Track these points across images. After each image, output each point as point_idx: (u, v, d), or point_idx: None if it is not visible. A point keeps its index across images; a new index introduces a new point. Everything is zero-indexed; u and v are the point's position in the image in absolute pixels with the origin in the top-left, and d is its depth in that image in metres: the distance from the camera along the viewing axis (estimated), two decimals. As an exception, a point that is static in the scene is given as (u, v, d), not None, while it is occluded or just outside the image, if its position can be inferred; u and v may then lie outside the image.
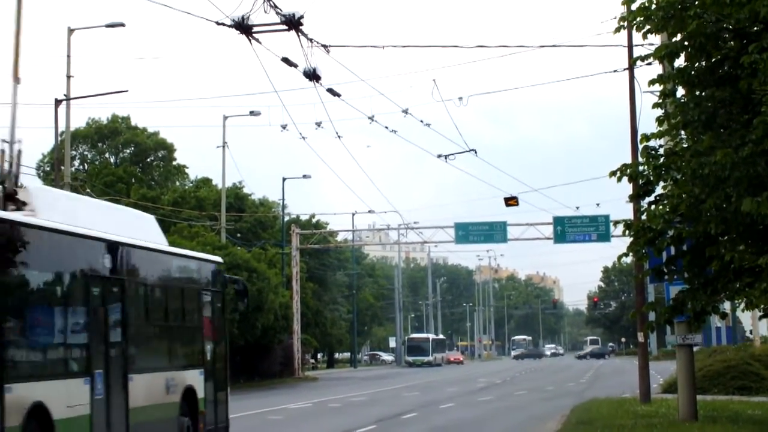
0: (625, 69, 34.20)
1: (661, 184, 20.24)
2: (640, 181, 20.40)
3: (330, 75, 28.36)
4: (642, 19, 18.65)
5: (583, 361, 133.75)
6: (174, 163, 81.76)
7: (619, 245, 64.52)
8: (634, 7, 18.91)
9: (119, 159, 79.98)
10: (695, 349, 28.96)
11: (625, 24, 19.51)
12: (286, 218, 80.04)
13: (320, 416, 33.45)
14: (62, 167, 46.28)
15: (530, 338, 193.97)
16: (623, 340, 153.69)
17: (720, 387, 40.09)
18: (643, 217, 20.84)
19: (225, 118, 61.54)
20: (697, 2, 17.58)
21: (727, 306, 43.99)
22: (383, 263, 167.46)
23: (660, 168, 19.66)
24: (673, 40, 18.63)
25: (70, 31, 44.97)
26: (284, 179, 75.62)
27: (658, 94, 20.09)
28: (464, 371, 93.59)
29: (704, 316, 21.27)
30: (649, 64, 20.38)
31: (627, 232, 20.94)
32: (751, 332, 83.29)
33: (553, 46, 50.37)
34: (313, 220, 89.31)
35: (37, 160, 78.05)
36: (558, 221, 61.96)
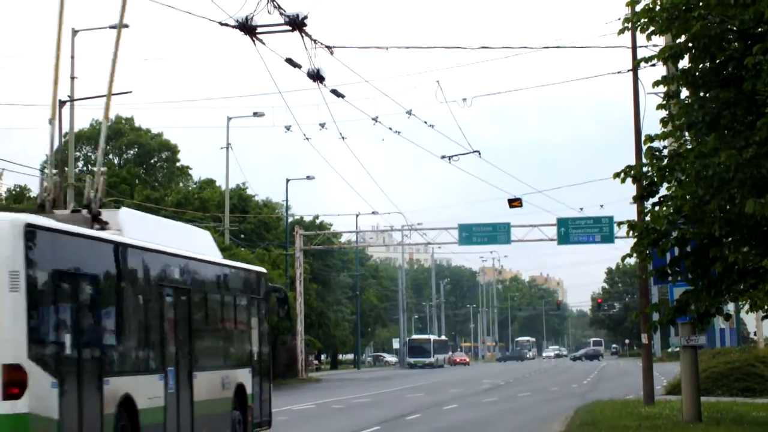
0: (629, 70, 34.19)
1: (665, 185, 20.22)
2: (644, 183, 20.39)
3: (334, 76, 28.33)
4: (646, 20, 18.63)
5: (581, 362, 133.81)
6: (178, 164, 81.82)
7: (622, 246, 64.48)
8: (638, 8, 18.89)
9: (123, 160, 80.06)
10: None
11: (629, 25, 19.50)
12: (290, 219, 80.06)
13: (324, 417, 33.45)
14: (66, 168, 46.31)
15: (534, 339, 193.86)
16: (627, 341, 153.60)
17: (724, 388, 40.06)
18: (647, 218, 20.81)
19: (229, 119, 61.59)
20: (701, 3, 17.56)
21: (731, 307, 43.95)
22: (387, 264, 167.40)
23: (664, 169, 19.64)
24: (677, 41, 18.61)
25: (74, 32, 45.02)
26: (288, 180, 75.63)
27: (662, 95, 20.06)
28: (467, 372, 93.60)
29: (708, 318, 21.23)
30: (653, 65, 20.38)
31: (631, 233, 20.92)
32: (755, 334, 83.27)
33: (557, 47, 50.40)
34: (317, 221, 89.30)
35: (40, 161, 78.24)
36: (562, 222, 61.93)
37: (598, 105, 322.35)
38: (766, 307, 23.30)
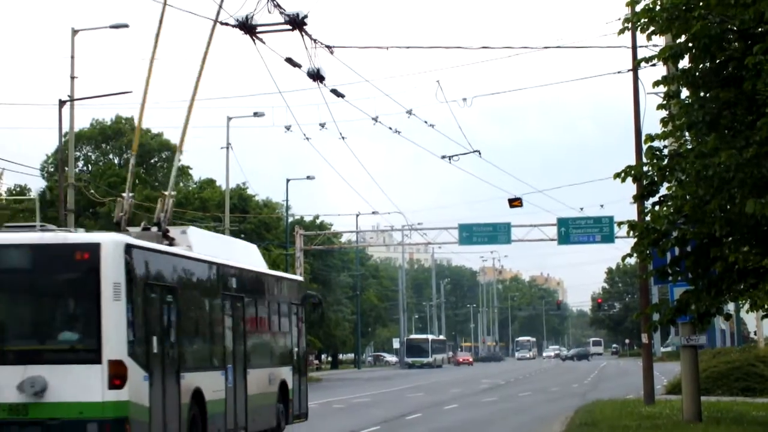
0: (629, 70, 34.17)
1: (666, 185, 20.21)
2: (645, 182, 20.38)
3: (334, 76, 28.35)
4: (646, 20, 18.62)
5: (579, 362, 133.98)
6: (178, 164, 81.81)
7: (623, 246, 64.37)
8: (638, 8, 18.89)
9: (123, 160, 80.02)
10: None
11: (630, 25, 19.50)
12: (290, 219, 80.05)
13: (325, 417, 33.44)
14: (66, 168, 46.29)
15: (534, 339, 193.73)
16: (627, 341, 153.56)
17: (724, 388, 40.06)
18: (647, 218, 20.80)
19: (229, 119, 61.53)
20: (701, 3, 17.55)
21: (731, 307, 43.95)
22: (387, 264, 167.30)
23: (664, 169, 19.64)
24: (678, 41, 18.61)
25: (74, 32, 44.96)
26: (288, 180, 75.60)
27: (662, 95, 20.06)
28: (467, 372, 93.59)
29: (708, 318, 21.23)
30: (654, 65, 20.36)
31: (631, 233, 20.91)
32: (755, 333, 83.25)
33: (558, 47, 50.30)
34: (317, 221, 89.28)
35: (41, 161, 78.18)
36: (562, 222, 61.89)
37: (598, 105, 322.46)
38: (766, 306, 23.29)
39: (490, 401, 43.18)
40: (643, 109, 33.89)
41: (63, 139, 46.27)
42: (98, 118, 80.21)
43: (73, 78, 44.90)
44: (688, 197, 18.90)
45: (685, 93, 19.42)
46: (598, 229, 61.66)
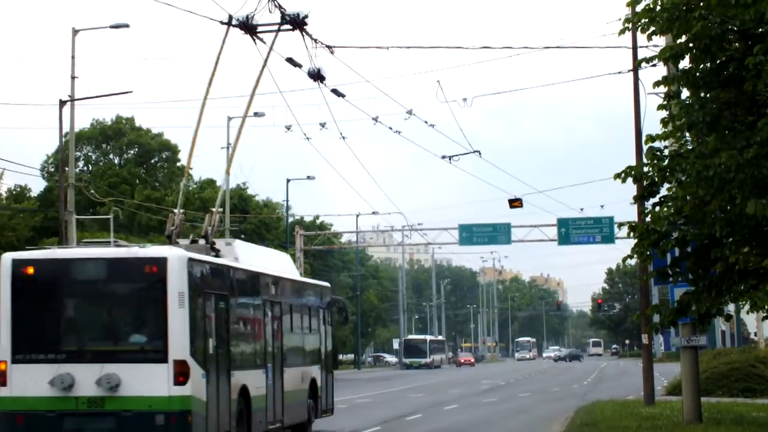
0: (629, 70, 34.17)
1: (666, 185, 20.19)
2: (645, 183, 20.35)
3: (334, 76, 28.35)
4: (647, 20, 18.60)
5: (576, 363, 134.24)
6: (178, 164, 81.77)
7: (623, 247, 64.40)
8: (638, 8, 18.86)
9: (123, 160, 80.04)
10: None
11: (630, 25, 19.47)
12: (290, 219, 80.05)
13: (325, 417, 33.49)
14: (66, 168, 46.28)
15: (534, 340, 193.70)
16: (627, 341, 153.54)
17: (724, 389, 40.03)
18: (648, 218, 20.78)
19: (229, 119, 61.47)
20: (702, 4, 17.53)
21: (731, 308, 43.94)
22: (387, 265, 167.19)
23: (665, 169, 19.61)
24: (678, 41, 18.59)
25: (75, 31, 44.96)
26: (288, 180, 75.62)
27: (662, 95, 20.03)
28: (467, 373, 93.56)
29: (709, 319, 21.21)
30: (654, 65, 20.33)
31: (631, 233, 20.88)
32: (755, 334, 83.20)
33: (558, 47, 50.33)
34: (317, 222, 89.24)
35: (41, 161, 78.19)
36: (562, 223, 61.87)
37: (598, 105, 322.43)
38: (766, 307, 23.26)
39: (490, 402, 43.17)
40: (643, 109, 33.91)
41: (63, 139, 46.25)
42: (98, 118, 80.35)
43: (73, 78, 44.90)
44: (688, 198, 18.88)
45: (685, 93, 19.40)
46: (599, 230, 61.65)
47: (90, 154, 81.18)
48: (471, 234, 65.03)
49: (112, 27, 44.21)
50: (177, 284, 19.35)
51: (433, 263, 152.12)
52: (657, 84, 19.45)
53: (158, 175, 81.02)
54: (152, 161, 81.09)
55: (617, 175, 19.92)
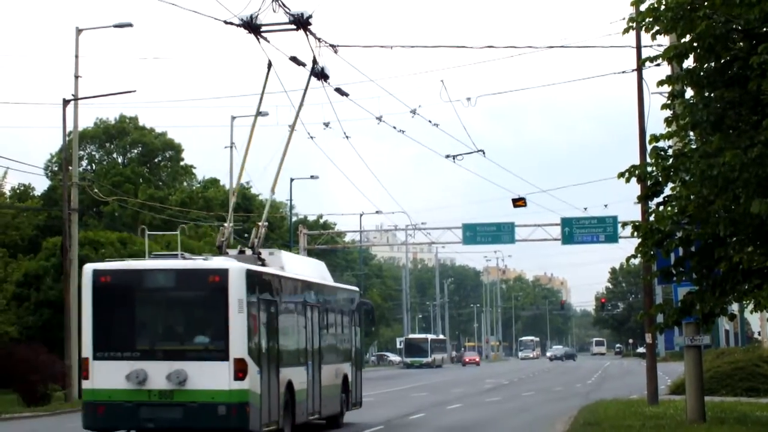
0: (633, 70, 34.16)
1: (670, 185, 20.17)
2: (649, 182, 20.32)
3: (338, 75, 28.41)
4: (651, 20, 18.59)
5: (570, 362, 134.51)
6: (182, 163, 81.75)
7: (627, 246, 64.40)
8: (642, 8, 18.85)
9: (127, 159, 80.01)
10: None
11: (634, 25, 19.45)
12: (294, 219, 80.00)
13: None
14: (70, 167, 46.29)
15: (537, 339, 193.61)
16: (630, 341, 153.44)
17: (728, 388, 40.02)
18: (652, 218, 20.77)
19: (233, 118, 61.51)
20: (706, 3, 17.52)
21: (734, 307, 43.91)
22: (391, 264, 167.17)
23: (668, 169, 19.59)
24: (682, 41, 18.57)
25: (79, 31, 44.97)
26: (292, 180, 75.64)
27: (666, 95, 20.03)
28: (471, 372, 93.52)
29: (713, 318, 21.20)
30: (658, 65, 20.32)
31: (635, 233, 20.86)
32: (759, 333, 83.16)
33: (562, 46, 50.03)
34: (321, 221, 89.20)
35: (45, 160, 78.19)
36: (566, 222, 61.81)
37: (602, 105, 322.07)
38: (770, 307, 23.24)
39: (494, 401, 43.16)
40: (647, 108, 33.89)
41: (67, 139, 46.27)
42: (102, 118, 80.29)
43: (77, 77, 44.93)
44: (692, 197, 18.87)
45: (689, 93, 19.39)
46: (602, 229, 61.57)
47: (93, 153, 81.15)
48: (474, 233, 64.97)
49: (115, 26, 44.20)
50: (237, 292, 21.99)
51: (436, 262, 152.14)
52: (661, 83, 19.43)
53: (162, 174, 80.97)
54: (156, 160, 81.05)
55: (621, 175, 19.90)
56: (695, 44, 18.11)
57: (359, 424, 30.45)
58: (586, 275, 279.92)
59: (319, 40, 21.74)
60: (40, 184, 77.11)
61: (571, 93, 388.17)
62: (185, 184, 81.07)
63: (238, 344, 21.94)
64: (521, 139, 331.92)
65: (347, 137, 32.84)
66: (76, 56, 44.99)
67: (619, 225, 59.80)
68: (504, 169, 46.01)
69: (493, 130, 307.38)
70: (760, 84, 16.55)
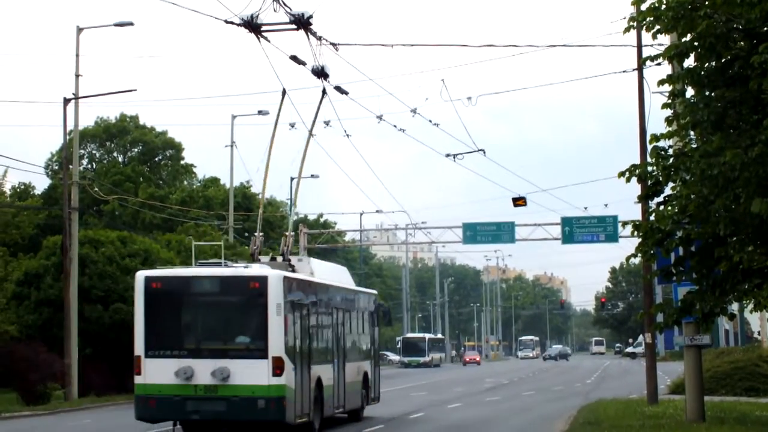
0: (634, 69, 34.15)
1: (670, 184, 20.19)
2: (649, 182, 20.34)
3: (338, 74, 28.44)
4: (651, 19, 18.60)
5: (566, 362, 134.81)
6: (182, 162, 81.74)
7: (627, 246, 64.30)
8: (643, 7, 18.86)
9: (127, 158, 79.99)
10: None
11: (635, 24, 19.47)
12: (294, 218, 79.95)
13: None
14: (70, 166, 46.30)
15: (537, 338, 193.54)
16: (630, 340, 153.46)
17: (728, 388, 40.01)
18: (652, 217, 20.78)
19: (233, 117, 61.55)
20: (707, 2, 17.52)
21: (735, 307, 43.90)
22: (391, 263, 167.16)
23: (669, 168, 19.61)
24: (683, 40, 18.57)
25: (79, 30, 44.96)
26: (292, 179, 75.52)
27: (667, 94, 20.04)
28: (471, 371, 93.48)
29: (712, 317, 21.21)
30: (659, 64, 20.33)
31: (635, 232, 20.88)
32: (758, 333, 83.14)
33: (563, 45, 50.13)
34: (321, 220, 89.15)
35: (45, 159, 78.19)
36: (566, 222, 61.75)
37: (603, 104, 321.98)
38: (770, 306, 23.25)
39: (494, 400, 43.17)
40: (648, 108, 33.87)
41: (67, 137, 46.28)
42: (103, 116, 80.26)
43: (77, 76, 44.93)
44: (692, 197, 18.88)
45: (690, 92, 19.40)
46: (602, 229, 61.50)
47: (94, 152, 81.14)
48: (475, 233, 64.89)
49: (116, 25, 44.18)
50: (275, 297, 24.32)
51: (436, 262, 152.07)
52: (662, 83, 19.44)
53: (162, 173, 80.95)
54: (156, 159, 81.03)
55: (621, 174, 19.91)
56: (696, 43, 18.13)
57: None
58: (586, 275, 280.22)
59: (319, 38, 21.74)
60: (41, 183, 77.20)
61: (571, 92, 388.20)
62: (185, 183, 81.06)
63: (276, 344, 24.19)
64: (521, 139, 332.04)
65: (348, 135, 32.87)
66: (77, 55, 45.02)
67: (620, 224, 59.67)
68: (504, 169, 46.08)
69: (493, 130, 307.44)
70: (760, 83, 16.56)
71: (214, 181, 79.86)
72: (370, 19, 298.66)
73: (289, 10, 20.07)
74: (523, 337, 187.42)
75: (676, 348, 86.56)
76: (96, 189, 55.42)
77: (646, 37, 20.34)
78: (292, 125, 43.99)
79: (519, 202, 50.66)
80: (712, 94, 18.48)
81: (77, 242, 45.04)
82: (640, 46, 33.38)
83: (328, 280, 29.47)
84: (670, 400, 34.51)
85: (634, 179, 20.11)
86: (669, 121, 19.70)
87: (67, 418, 36.17)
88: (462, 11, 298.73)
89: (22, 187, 66.59)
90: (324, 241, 78.50)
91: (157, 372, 24.56)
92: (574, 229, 61.78)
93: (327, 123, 34.27)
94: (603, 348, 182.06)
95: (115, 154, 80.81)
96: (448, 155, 38.19)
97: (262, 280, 24.49)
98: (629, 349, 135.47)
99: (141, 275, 25.42)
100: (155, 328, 24.87)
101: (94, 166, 79.36)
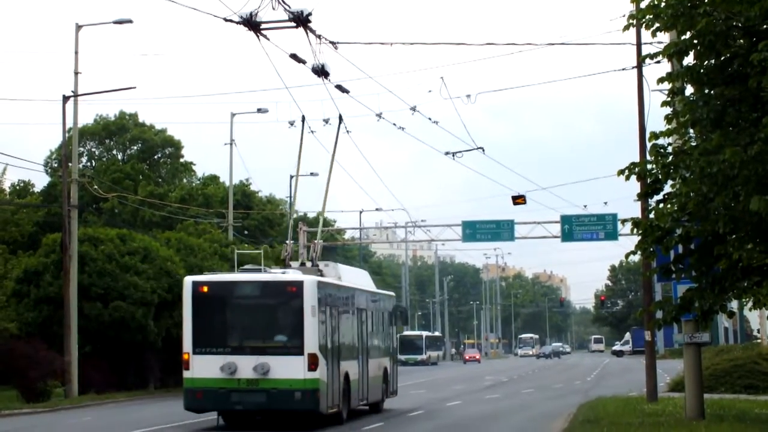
0: (633, 67, 34.14)
1: (670, 182, 20.20)
2: (649, 180, 20.35)
3: (338, 72, 28.43)
4: (651, 16, 18.60)
5: (564, 359, 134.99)
6: (181, 160, 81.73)
7: (626, 244, 64.24)
8: (643, 4, 18.86)
9: (126, 156, 79.97)
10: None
11: (634, 22, 19.45)
12: (294, 215, 79.88)
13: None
14: (69, 164, 46.29)
15: (537, 336, 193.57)
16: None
17: (727, 386, 40.03)
18: (651, 215, 20.78)
19: (233, 115, 61.52)
20: (706, 0, 17.53)
21: (734, 305, 43.90)
22: (390, 261, 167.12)
23: (668, 166, 19.62)
24: (682, 38, 18.58)
25: (78, 27, 44.94)
26: (292, 177, 75.50)
27: (666, 92, 20.04)
28: (471, 369, 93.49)
29: (712, 315, 21.22)
30: (658, 62, 20.33)
31: (635, 230, 20.88)
32: (758, 331, 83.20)
33: (562, 43, 50.10)
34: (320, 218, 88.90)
35: (44, 157, 78.23)
36: (565, 220, 61.71)
37: (602, 102, 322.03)
38: (769, 304, 23.26)
39: (494, 398, 43.17)
40: (647, 106, 33.85)
41: (67, 135, 46.27)
42: (102, 114, 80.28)
43: (76, 73, 44.92)
44: (692, 194, 18.89)
45: (689, 90, 19.40)
46: (602, 227, 61.45)
47: (93, 149, 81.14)
48: (474, 231, 64.83)
49: (115, 23, 44.14)
50: (310, 300, 26.95)
51: (436, 260, 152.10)
52: (661, 80, 19.45)
53: (161, 171, 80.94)
54: (155, 157, 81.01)
55: (621, 172, 19.92)
56: (695, 41, 18.13)
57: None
58: (585, 273, 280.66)
59: (319, 37, 21.73)
60: (40, 181, 77.19)
61: (571, 90, 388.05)
62: (185, 180, 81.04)
63: (311, 342, 26.75)
64: (521, 137, 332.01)
65: (348, 132, 32.89)
66: (76, 53, 45.01)
67: (619, 222, 59.42)
68: (503, 167, 46.15)
69: (492, 128, 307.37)
70: (760, 81, 16.56)
71: (214, 178, 79.82)
72: (370, 18, 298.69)
73: (287, 8, 20.07)
74: (523, 335, 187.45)
75: (675, 346, 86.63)
76: (95, 187, 55.45)
77: (646, 35, 20.36)
78: (292, 123, 43.98)
79: (518, 200, 50.68)
80: (712, 91, 18.48)
81: (77, 240, 45.03)
82: (639, 44, 33.37)
83: (353, 283, 32.05)
84: (670, 398, 34.53)
85: (633, 177, 20.12)
86: (668, 118, 19.71)
87: (67, 415, 36.18)
88: (461, 9, 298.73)
89: (22, 184, 66.62)
90: (323, 239, 78.37)
91: (204, 367, 26.96)
92: (574, 227, 61.75)
93: (326, 121, 34.24)
94: (602, 346, 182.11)
95: (114, 152, 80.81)
96: (447, 153, 38.24)
97: (299, 285, 27.13)
98: (616, 347, 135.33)
99: (189, 280, 28.01)
100: (202, 327, 27.28)
101: (94, 164, 79.34)
